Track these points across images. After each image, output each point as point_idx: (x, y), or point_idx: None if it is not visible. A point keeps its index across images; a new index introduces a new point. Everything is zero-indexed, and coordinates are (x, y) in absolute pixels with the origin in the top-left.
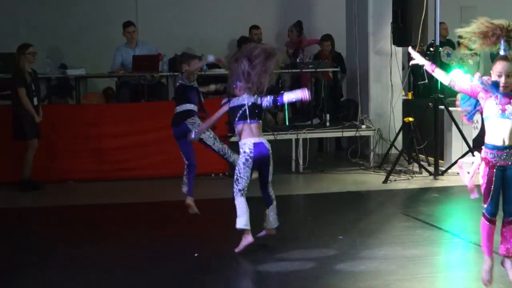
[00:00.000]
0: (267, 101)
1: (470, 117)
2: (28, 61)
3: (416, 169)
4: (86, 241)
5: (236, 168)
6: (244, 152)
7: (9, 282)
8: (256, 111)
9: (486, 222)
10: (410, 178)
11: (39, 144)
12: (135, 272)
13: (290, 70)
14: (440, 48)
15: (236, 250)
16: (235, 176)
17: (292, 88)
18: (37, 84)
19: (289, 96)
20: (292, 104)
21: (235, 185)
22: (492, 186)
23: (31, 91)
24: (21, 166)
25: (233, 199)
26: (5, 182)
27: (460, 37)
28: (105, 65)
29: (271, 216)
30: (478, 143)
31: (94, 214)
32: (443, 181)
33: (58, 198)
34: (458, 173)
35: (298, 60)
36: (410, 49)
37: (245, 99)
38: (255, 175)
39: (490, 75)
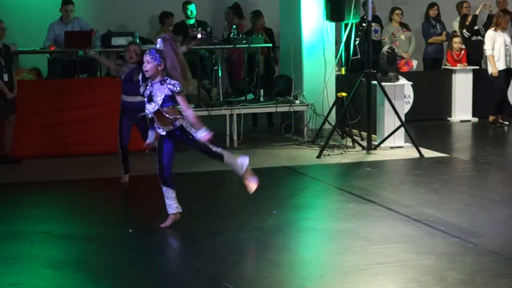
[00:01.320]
0: None
1: None
2: None
3: (350, 143)
4: (22, 218)
5: None
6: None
7: None
8: None
9: None
10: (343, 152)
11: None
12: (72, 249)
13: (223, 46)
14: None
15: (162, 225)
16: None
17: (227, 63)
18: (8, 59)
19: None
20: (228, 79)
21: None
22: None
23: (1, 67)
24: None
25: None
26: None
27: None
28: (37, 41)
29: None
30: (409, 118)
31: (28, 192)
32: (376, 155)
33: None
34: (390, 147)
35: (231, 36)
36: None
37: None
38: None
39: (421, 50)
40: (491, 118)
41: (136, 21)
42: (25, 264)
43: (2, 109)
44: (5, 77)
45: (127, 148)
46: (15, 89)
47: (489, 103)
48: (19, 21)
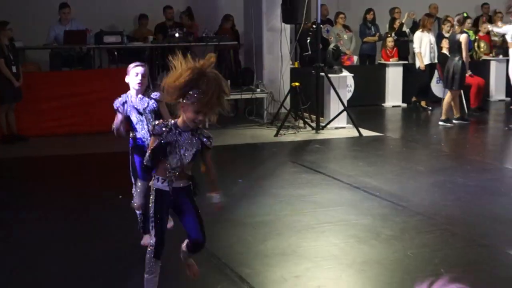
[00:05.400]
0: None
1: None
2: (6, 35)
3: (301, 125)
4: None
5: None
6: None
7: None
8: None
9: None
10: (296, 132)
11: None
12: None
13: (198, 43)
14: (321, 26)
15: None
16: None
17: None
18: (15, 54)
19: None
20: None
21: None
22: None
23: (10, 61)
24: None
25: None
26: None
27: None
28: (39, 38)
29: None
30: (351, 104)
31: (34, 166)
32: (323, 135)
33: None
34: (335, 128)
35: (204, 35)
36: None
37: None
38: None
39: (359, 48)
40: (414, 98)
41: (123, 21)
42: None
43: (10, 96)
44: (14, 69)
45: None
46: (21, 79)
47: (415, 90)
48: (24, 22)
